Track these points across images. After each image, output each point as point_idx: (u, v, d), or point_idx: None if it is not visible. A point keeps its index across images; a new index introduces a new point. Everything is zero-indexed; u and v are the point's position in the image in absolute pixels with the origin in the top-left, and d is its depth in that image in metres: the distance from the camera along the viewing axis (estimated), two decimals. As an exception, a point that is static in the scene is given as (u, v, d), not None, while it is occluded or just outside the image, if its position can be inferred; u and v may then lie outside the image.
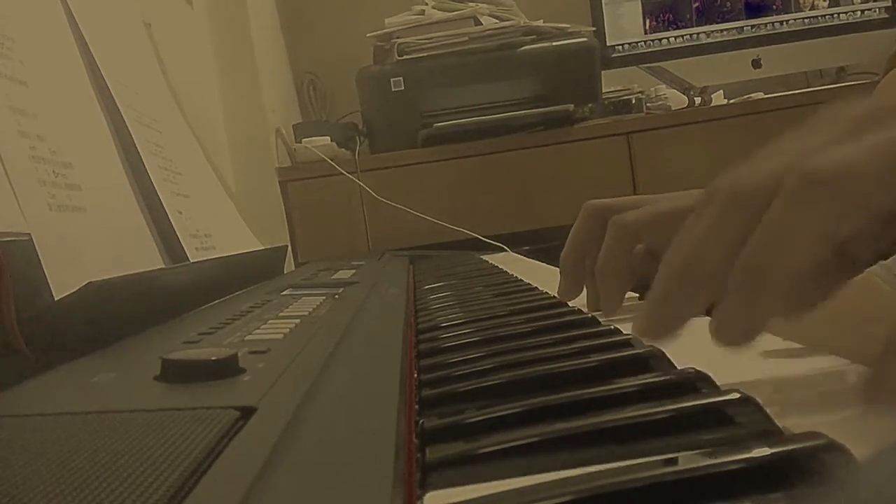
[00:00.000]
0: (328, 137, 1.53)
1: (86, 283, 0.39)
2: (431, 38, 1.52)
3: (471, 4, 1.58)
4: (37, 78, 0.49)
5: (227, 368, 0.29)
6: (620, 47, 1.76)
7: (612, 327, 0.38)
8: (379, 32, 1.58)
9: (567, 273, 0.51)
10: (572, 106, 1.50)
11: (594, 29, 1.68)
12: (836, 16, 1.75)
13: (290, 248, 1.35)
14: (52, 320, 0.39)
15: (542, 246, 1.39)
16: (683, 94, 1.75)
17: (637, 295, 0.51)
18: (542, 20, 1.59)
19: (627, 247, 0.45)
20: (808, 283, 0.24)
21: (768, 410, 0.23)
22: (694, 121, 1.56)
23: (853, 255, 0.27)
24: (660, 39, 1.77)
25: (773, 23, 1.77)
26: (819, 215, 0.22)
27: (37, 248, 0.40)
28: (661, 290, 0.26)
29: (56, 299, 0.39)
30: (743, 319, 0.24)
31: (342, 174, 1.46)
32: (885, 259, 0.28)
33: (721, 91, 1.80)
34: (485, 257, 1.10)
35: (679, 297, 0.26)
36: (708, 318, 0.26)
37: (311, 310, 0.48)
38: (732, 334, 0.24)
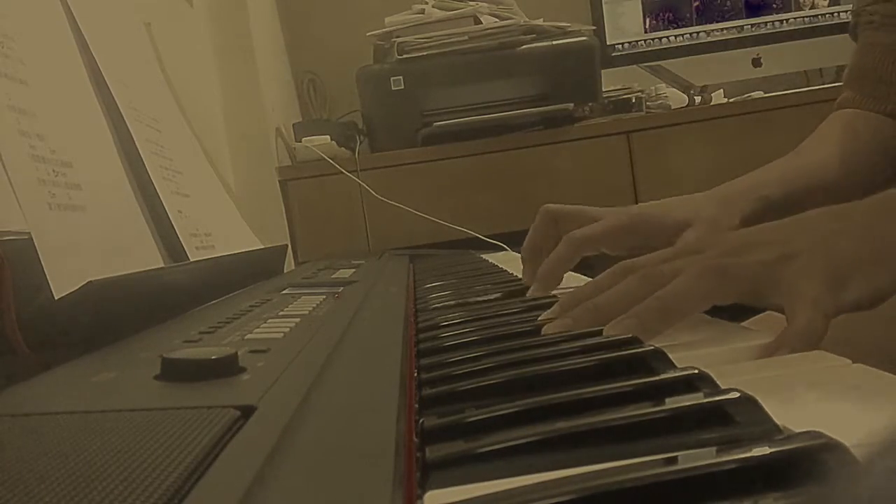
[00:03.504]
0: (328, 136, 1.53)
1: (86, 282, 0.39)
2: (431, 38, 1.52)
3: (471, 3, 1.58)
4: (37, 77, 0.49)
5: (227, 367, 0.29)
6: (620, 46, 1.76)
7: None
8: (379, 31, 1.58)
9: (527, 263, 0.63)
10: (572, 105, 1.50)
11: (594, 28, 1.68)
12: (836, 14, 1.75)
13: (289, 247, 1.35)
14: (52, 320, 0.39)
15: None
16: (683, 92, 1.75)
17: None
18: (542, 19, 1.59)
19: (572, 258, 0.58)
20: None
21: (768, 410, 0.23)
22: (694, 120, 1.56)
23: None
24: (660, 38, 1.76)
25: (773, 21, 1.76)
26: (709, 284, 0.38)
27: (37, 247, 0.40)
28: (575, 311, 0.40)
29: (56, 298, 0.39)
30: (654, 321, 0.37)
31: (342, 173, 1.46)
32: None
33: (721, 90, 1.80)
34: (485, 256, 1.10)
35: (584, 318, 0.39)
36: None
37: (311, 309, 0.48)
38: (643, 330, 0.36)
